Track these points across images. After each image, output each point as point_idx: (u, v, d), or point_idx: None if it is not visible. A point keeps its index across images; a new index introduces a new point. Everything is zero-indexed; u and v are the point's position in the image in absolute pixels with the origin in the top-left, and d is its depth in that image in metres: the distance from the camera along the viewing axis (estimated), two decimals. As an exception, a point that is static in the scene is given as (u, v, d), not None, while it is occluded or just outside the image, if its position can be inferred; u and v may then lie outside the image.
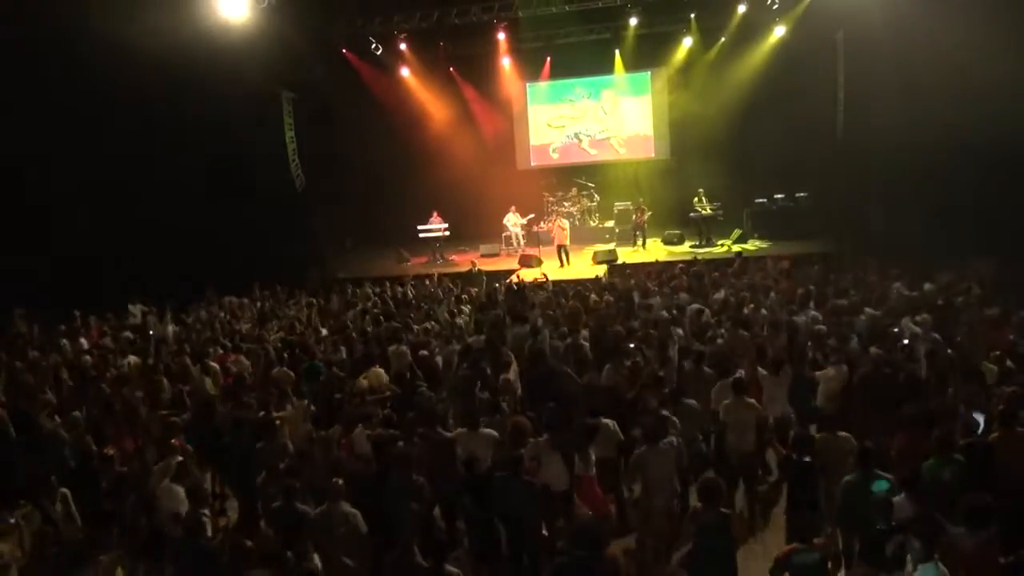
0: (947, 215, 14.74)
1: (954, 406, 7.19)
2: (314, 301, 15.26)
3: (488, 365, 9.36)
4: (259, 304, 15.34)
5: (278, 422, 7.93)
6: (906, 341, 8.95)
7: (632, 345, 9.61)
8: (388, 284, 16.15)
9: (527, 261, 18.80)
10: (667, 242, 19.99)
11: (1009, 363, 8.22)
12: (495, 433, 7.34)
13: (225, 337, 12.03)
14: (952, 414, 7.00)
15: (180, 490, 6.83)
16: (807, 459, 6.46)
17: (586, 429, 7.08)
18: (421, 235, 20.75)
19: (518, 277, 15.31)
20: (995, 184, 14.31)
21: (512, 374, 9.23)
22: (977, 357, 8.47)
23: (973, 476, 6.01)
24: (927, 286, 11.68)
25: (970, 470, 6.07)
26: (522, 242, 20.66)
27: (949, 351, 8.66)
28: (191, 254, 16.86)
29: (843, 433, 6.79)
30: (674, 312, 11.17)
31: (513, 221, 20.84)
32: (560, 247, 18.82)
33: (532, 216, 21.19)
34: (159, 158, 16.99)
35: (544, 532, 6.65)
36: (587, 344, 9.93)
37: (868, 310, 10.58)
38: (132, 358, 11.03)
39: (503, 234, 20.88)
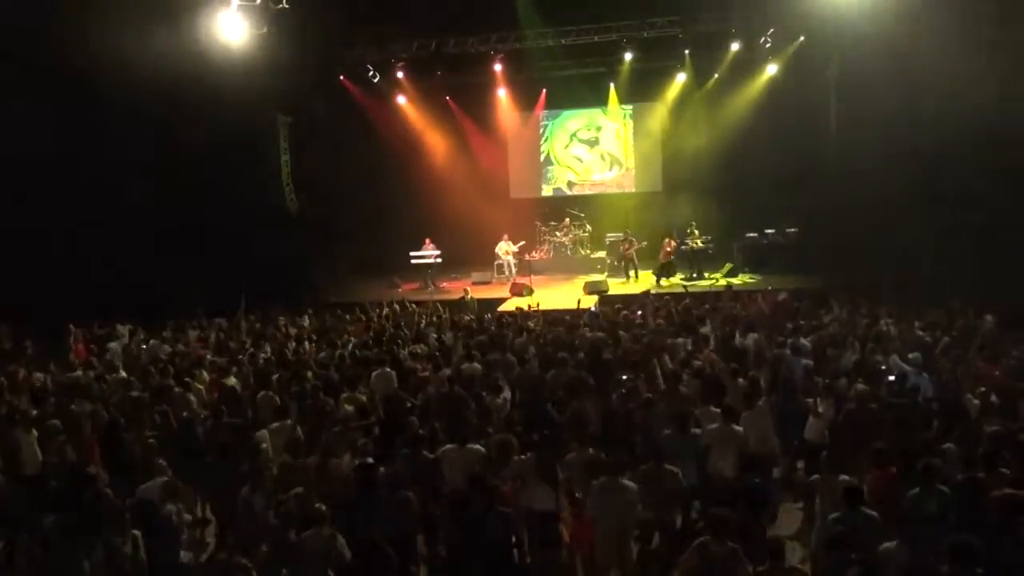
0: (938, 254, 14.85)
1: (938, 441, 7.17)
2: (305, 325, 15.20)
3: (480, 389, 9.34)
4: (249, 326, 15.26)
5: (264, 445, 7.86)
6: (892, 378, 8.95)
7: (624, 377, 9.64)
8: (377, 309, 16.13)
9: (518, 289, 18.80)
10: (658, 274, 20.03)
11: (993, 398, 8.23)
12: (482, 449, 7.32)
13: (216, 356, 11.95)
14: (936, 449, 6.97)
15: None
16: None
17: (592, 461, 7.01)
18: (413, 261, 20.75)
19: (517, 307, 15.30)
20: (992, 220, 14.43)
21: (501, 400, 9.19)
22: (961, 392, 8.50)
23: (962, 511, 5.98)
24: (916, 324, 11.74)
25: (956, 502, 6.04)
26: (514, 270, 20.70)
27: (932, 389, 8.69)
28: (180, 274, 16.78)
29: (844, 477, 6.70)
30: (665, 342, 11.19)
31: (505, 249, 20.89)
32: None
33: (523, 243, 21.24)
34: (152, 175, 17.00)
35: (527, 558, 6.56)
36: (576, 372, 9.90)
37: (856, 346, 10.63)
38: (115, 376, 10.93)
39: (495, 262, 20.92)
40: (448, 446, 7.48)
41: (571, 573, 6.75)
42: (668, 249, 19.16)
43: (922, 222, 15.34)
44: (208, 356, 12.31)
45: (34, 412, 9.19)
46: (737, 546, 5.64)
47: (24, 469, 8.10)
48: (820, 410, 8.43)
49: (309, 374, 10.46)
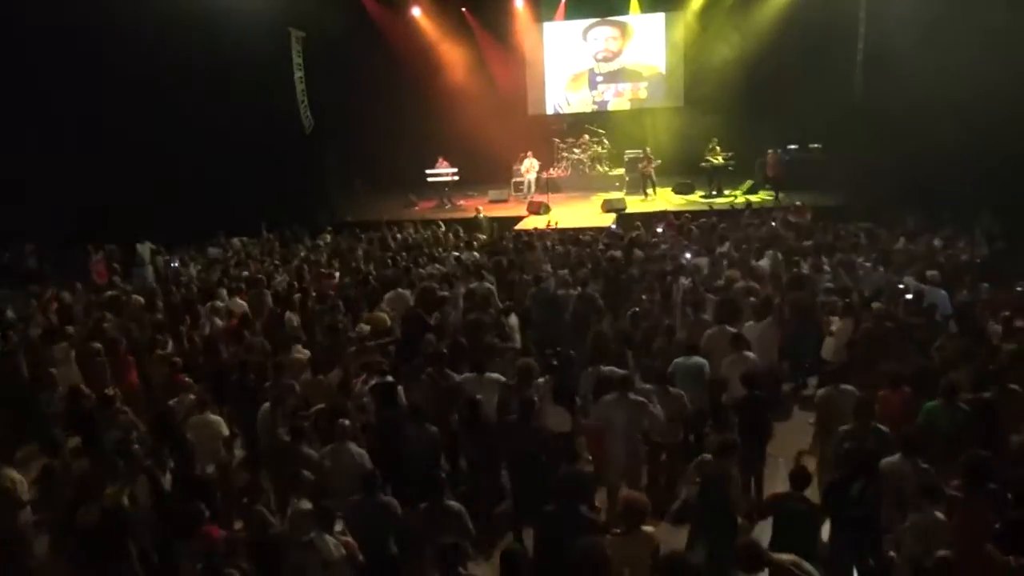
0: (963, 172, 14.51)
1: (952, 362, 7.16)
2: (321, 244, 15.28)
3: (493, 309, 9.42)
4: (269, 246, 15.39)
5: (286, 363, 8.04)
6: (909, 296, 8.90)
7: (643, 296, 9.66)
8: (394, 229, 16.15)
9: (536, 208, 18.71)
10: (677, 191, 19.81)
11: (1019, 322, 8.16)
12: (501, 377, 7.44)
13: (232, 280, 12.10)
14: (950, 369, 6.97)
15: (217, 419, 6.99)
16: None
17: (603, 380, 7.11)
18: (430, 179, 20.63)
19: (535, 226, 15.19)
20: (1015, 142, 14.03)
21: (514, 320, 9.27)
22: (981, 314, 8.46)
23: (970, 430, 6.03)
24: (936, 241, 11.59)
25: (969, 422, 6.09)
26: (533, 188, 20.51)
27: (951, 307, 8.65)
28: (198, 195, 16.83)
29: (846, 386, 6.81)
30: (682, 262, 11.15)
31: (527, 166, 20.64)
32: None
33: (541, 163, 21.00)
34: (165, 96, 16.83)
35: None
36: (594, 293, 9.93)
37: (876, 266, 10.55)
38: (137, 297, 11.13)
39: (513, 180, 20.72)
40: (468, 374, 7.57)
41: (590, 488, 6.94)
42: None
43: (949, 140, 14.92)
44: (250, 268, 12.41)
45: (70, 330, 9.42)
46: (731, 466, 5.76)
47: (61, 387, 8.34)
48: (834, 328, 8.43)
49: (328, 294, 10.57)
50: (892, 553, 5.25)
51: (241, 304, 10.47)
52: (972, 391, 6.49)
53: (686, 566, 4.31)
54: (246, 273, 12.64)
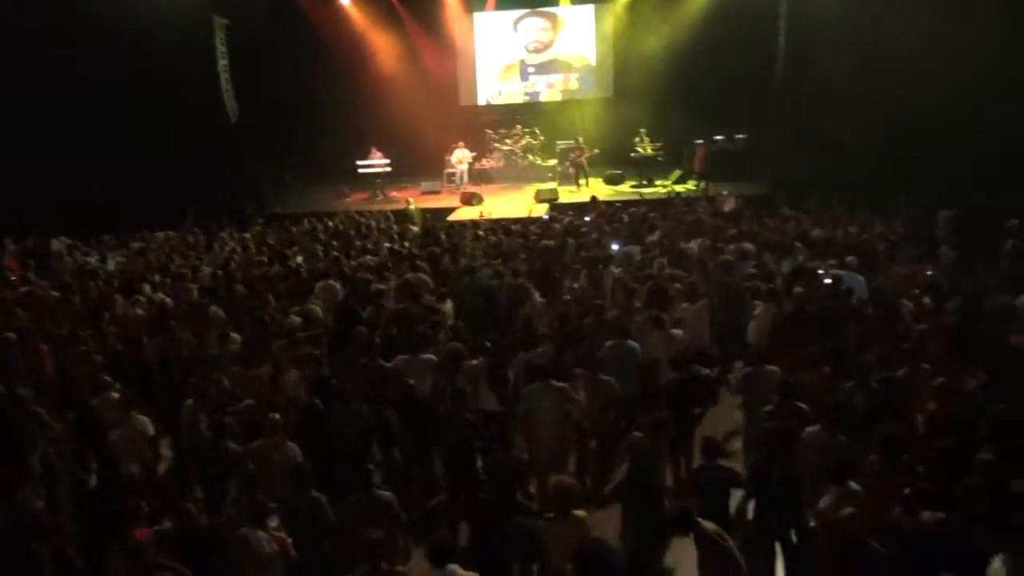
0: (884, 161, 15.14)
1: (866, 343, 7.50)
2: (248, 236, 14.93)
3: (426, 299, 9.40)
4: (194, 240, 14.97)
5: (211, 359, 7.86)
6: (828, 281, 9.26)
7: (574, 284, 9.80)
8: (324, 220, 15.92)
9: (468, 199, 18.71)
10: (608, 181, 20.09)
11: (927, 300, 8.60)
12: (433, 357, 7.45)
13: (155, 273, 11.72)
14: (864, 350, 7.30)
15: (142, 419, 6.76)
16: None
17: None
18: (361, 171, 20.36)
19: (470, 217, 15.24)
20: (935, 132, 14.71)
21: (448, 307, 9.28)
22: (895, 295, 8.86)
23: (882, 407, 6.33)
24: (851, 228, 12.08)
25: (879, 399, 6.40)
26: (466, 179, 20.47)
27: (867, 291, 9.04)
28: (118, 187, 16.24)
29: (768, 367, 7.06)
30: (612, 250, 11.33)
31: (459, 157, 20.56)
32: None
33: (475, 154, 20.96)
34: (82, 82, 16.15)
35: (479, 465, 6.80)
36: (524, 281, 10.01)
37: (797, 247, 10.95)
38: (52, 292, 10.67)
39: (446, 171, 20.63)
40: (401, 356, 7.57)
41: (525, 475, 7.02)
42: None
43: (867, 127, 15.55)
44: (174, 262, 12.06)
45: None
46: (659, 444, 5.92)
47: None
48: (757, 312, 8.72)
49: (255, 287, 10.36)
50: (812, 524, 5.47)
51: (164, 299, 10.17)
52: (885, 370, 6.81)
53: (603, 552, 4.36)
54: (171, 267, 12.26)
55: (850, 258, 10.01)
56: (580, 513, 5.06)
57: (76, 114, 16.00)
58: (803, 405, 6.38)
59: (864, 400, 6.41)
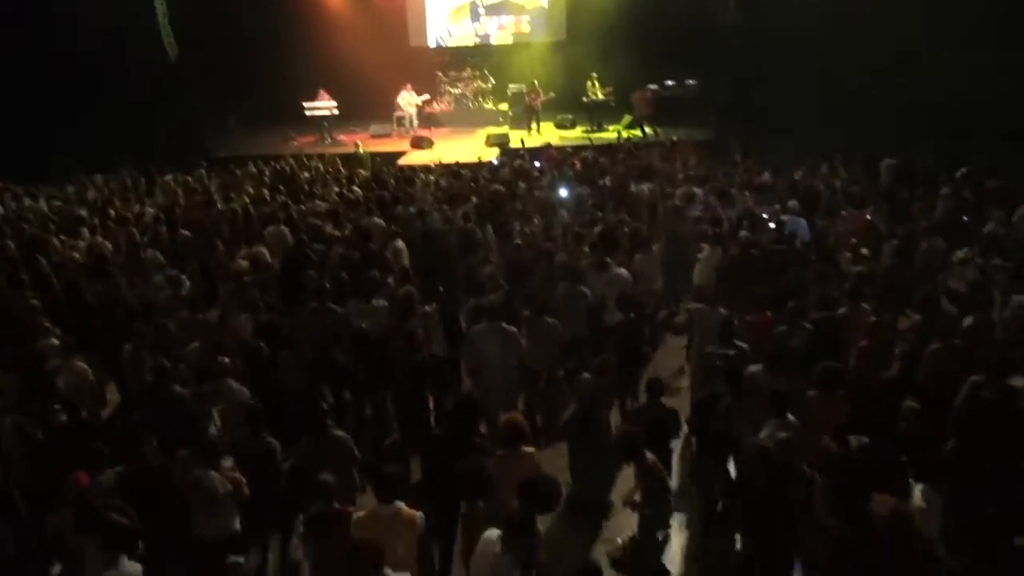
0: (833, 109, 15.34)
1: (806, 284, 7.74)
2: (192, 180, 14.54)
3: (377, 244, 9.35)
4: (134, 182, 14.51)
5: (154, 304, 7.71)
6: (772, 225, 9.48)
7: (524, 228, 9.83)
8: (271, 163, 15.56)
9: (419, 143, 18.46)
10: (560, 126, 20.01)
11: (863, 250, 8.88)
12: (385, 303, 7.45)
13: (94, 216, 11.37)
14: (805, 291, 7.54)
15: (82, 366, 6.64)
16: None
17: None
18: (308, 113, 19.85)
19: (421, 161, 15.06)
20: (887, 80, 14.93)
21: (400, 243, 9.26)
22: (834, 240, 9.13)
23: (820, 345, 6.59)
24: (796, 174, 12.32)
25: (817, 338, 6.64)
26: (415, 123, 20.14)
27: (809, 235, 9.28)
28: (55, 129, 15.55)
29: (714, 309, 7.24)
30: (563, 195, 11.37)
31: (407, 100, 20.17)
32: None
33: (426, 97, 20.58)
34: (9, 22, 15.30)
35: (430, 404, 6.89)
36: (475, 226, 10.00)
37: (745, 195, 11.14)
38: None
39: (395, 114, 20.24)
40: (352, 301, 7.55)
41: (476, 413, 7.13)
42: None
43: (818, 77, 15.71)
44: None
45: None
46: (607, 385, 6.08)
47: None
48: (704, 256, 8.91)
49: (201, 231, 10.14)
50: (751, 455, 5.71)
51: (103, 242, 9.89)
52: (824, 310, 7.06)
53: (546, 484, 4.51)
54: (111, 211, 11.89)
55: (792, 203, 10.24)
56: (529, 449, 5.19)
57: (8, 56, 15.19)
58: (745, 345, 6.59)
59: (800, 340, 6.66)
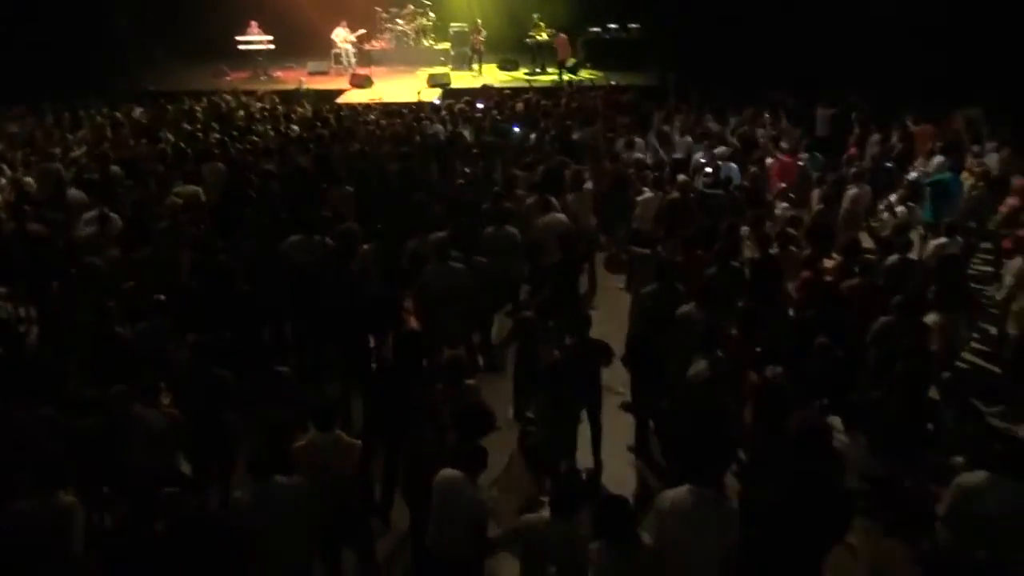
0: (774, 58, 15.55)
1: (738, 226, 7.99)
2: (120, 115, 13.95)
3: (323, 182, 9.23)
4: (58, 117, 13.85)
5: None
6: (709, 170, 9.69)
7: (466, 168, 9.83)
8: (203, 99, 15.04)
9: (359, 81, 18.03)
10: (502, 67, 19.79)
11: (791, 195, 9.20)
12: (328, 240, 7.41)
13: (13, 152, 10.87)
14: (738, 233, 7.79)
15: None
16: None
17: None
18: (240, 47, 19.12)
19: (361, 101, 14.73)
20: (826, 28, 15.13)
21: (341, 191, 9.16)
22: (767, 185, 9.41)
23: (751, 285, 6.87)
24: (732, 120, 12.55)
25: (740, 276, 6.94)
26: (353, 60, 19.61)
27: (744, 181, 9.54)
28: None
29: (652, 250, 7.44)
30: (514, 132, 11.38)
31: (342, 36, 19.58)
32: None
33: (363, 32, 20.00)
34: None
35: (371, 342, 6.93)
36: (416, 165, 9.95)
37: (686, 139, 11.33)
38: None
39: (332, 51, 19.67)
40: (293, 237, 7.47)
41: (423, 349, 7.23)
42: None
43: (762, 25, 15.87)
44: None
45: None
46: (546, 322, 6.23)
47: None
48: (643, 199, 9.09)
49: (132, 168, 9.81)
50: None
51: (25, 179, 9.50)
52: (759, 251, 7.34)
53: (480, 411, 4.69)
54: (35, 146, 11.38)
55: (721, 149, 10.47)
56: (471, 382, 5.33)
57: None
58: (680, 285, 6.81)
59: (728, 280, 6.91)
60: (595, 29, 19.76)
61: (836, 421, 5.01)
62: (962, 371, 5.84)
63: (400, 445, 5.19)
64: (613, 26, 19.83)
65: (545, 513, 4.08)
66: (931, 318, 6.15)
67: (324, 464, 4.58)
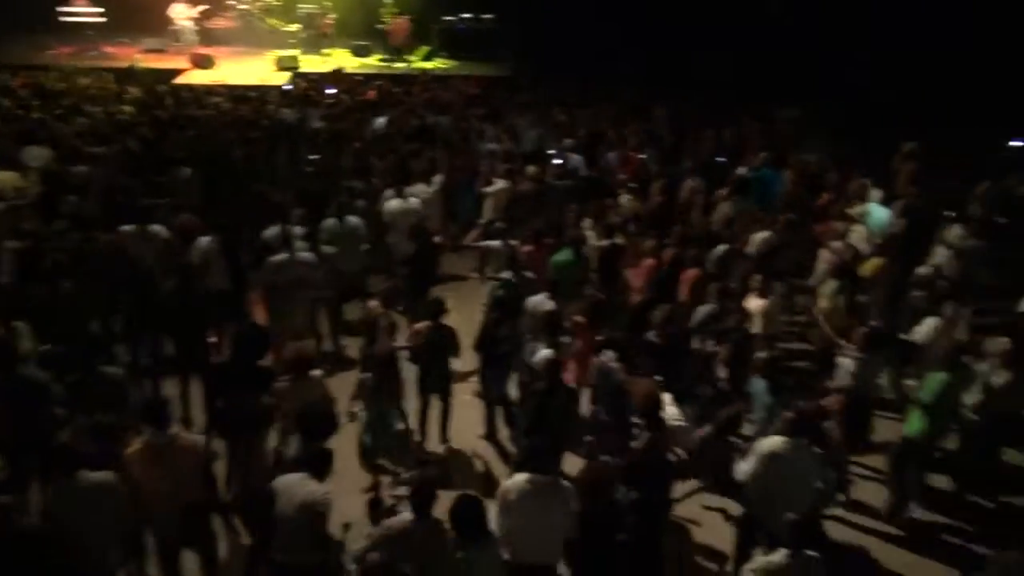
0: (625, 46, 16.10)
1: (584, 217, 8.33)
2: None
3: (159, 167, 8.74)
4: None
5: None
6: (558, 161, 10.01)
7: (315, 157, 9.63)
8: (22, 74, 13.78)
9: (200, 61, 17.09)
10: (356, 54, 19.35)
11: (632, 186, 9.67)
12: (164, 230, 7.04)
13: None
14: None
15: None
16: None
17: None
18: (63, 19, 17.59)
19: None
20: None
21: (186, 171, 8.73)
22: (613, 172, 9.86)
23: (597, 272, 7.21)
24: (579, 112, 12.99)
25: (582, 263, 7.27)
26: (193, 39, 18.50)
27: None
28: None
29: (502, 241, 7.59)
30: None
31: (182, 13, 18.39)
32: None
33: (206, 7, 18.88)
34: None
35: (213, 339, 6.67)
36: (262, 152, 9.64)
37: (537, 131, 11.60)
38: None
39: (170, 27, 18.45)
40: (127, 227, 7.03)
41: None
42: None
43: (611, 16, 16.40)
44: None
45: None
46: (393, 310, 6.29)
47: None
48: (492, 190, 9.27)
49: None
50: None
51: None
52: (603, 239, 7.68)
53: (319, 413, 4.74)
54: None
55: (568, 141, 10.84)
56: (316, 373, 5.27)
57: None
58: (531, 274, 7.02)
59: (574, 269, 7.22)
60: (449, 18, 19.71)
61: (667, 396, 5.39)
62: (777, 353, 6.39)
63: (241, 444, 5.05)
64: (467, 15, 19.86)
65: (406, 515, 4.11)
66: (753, 303, 6.71)
67: (162, 465, 4.39)
